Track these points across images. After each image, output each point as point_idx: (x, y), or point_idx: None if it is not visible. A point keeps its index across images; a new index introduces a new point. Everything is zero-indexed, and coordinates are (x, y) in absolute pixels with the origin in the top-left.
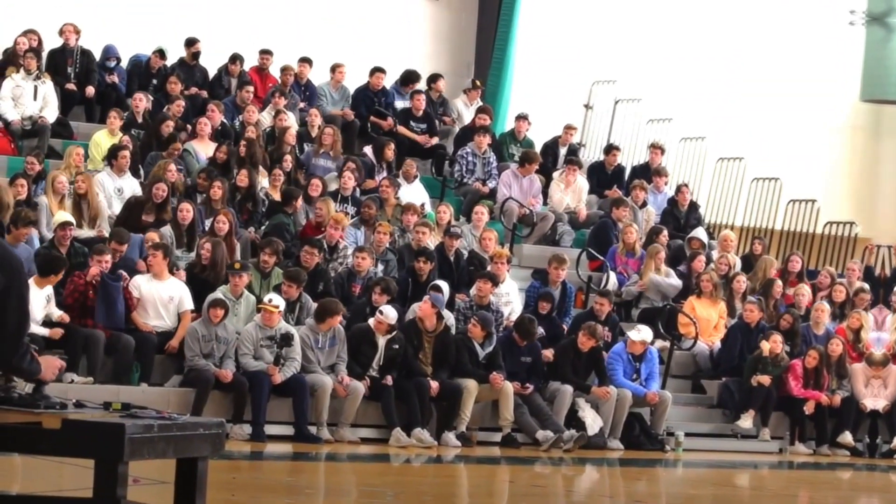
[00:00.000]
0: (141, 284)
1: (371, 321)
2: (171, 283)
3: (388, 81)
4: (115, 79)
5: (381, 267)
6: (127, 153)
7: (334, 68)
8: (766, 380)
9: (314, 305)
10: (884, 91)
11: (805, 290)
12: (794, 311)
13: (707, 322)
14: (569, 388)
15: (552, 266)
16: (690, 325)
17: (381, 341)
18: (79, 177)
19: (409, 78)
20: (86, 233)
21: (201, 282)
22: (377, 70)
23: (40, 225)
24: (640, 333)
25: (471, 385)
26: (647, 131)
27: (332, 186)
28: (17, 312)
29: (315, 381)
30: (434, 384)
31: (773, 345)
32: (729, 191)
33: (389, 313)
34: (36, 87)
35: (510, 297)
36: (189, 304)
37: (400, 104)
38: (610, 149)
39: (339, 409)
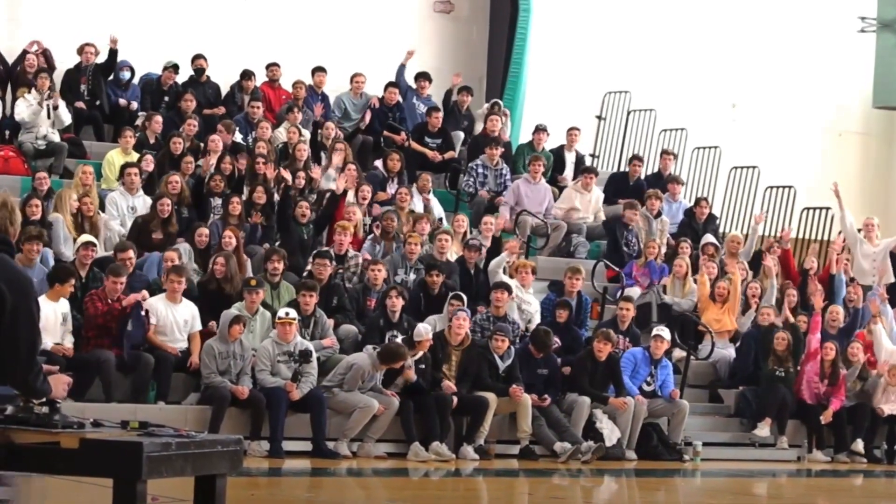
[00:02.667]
0: (158, 308)
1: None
2: (185, 305)
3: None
4: (127, 100)
5: (412, 276)
6: (136, 170)
7: (353, 78)
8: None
9: (329, 321)
10: (894, 97)
11: (819, 288)
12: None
13: (721, 329)
14: (586, 400)
15: (567, 276)
16: (706, 335)
17: (408, 362)
18: (86, 198)
19: (423, 76)
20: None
21: (215, 297)
22: (391, 85)
23: (57, 243)
24: (664, 332)
25: (491, 398)
26: (660, 141)
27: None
28: (28, 332)
29: (360, 400)
30: (455, 398)
31: (778, 341)
32: (743, 200)
33: (423, 331)
34: (48, 107)
35: (532, 309)
36: (199, 325)
37: (416, 103)
38: (633, 159)
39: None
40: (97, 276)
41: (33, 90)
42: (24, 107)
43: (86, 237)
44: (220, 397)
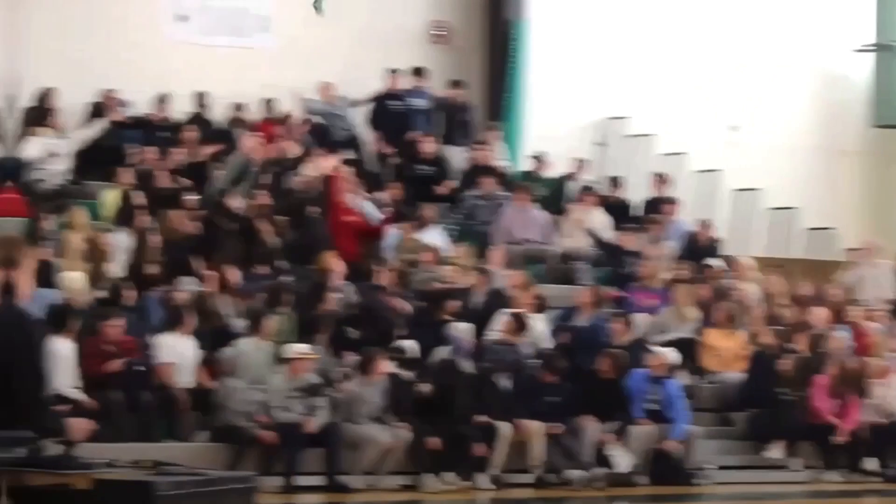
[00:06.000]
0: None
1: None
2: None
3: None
4: None
5: None
6: None
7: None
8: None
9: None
10: (894, 116)
11: (819, 312)
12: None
13: (727, 352)
14: (597, 426)
15: (585, 300)
16: (712, 358)
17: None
18: None
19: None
20: None
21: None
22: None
23: None
24: (661, 353)
25: (504, 427)
26: (661, 166)
27: None
28: (33, 370)
29: (368, 433)
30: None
31: (783, 364)
32: (745, 222)
33: (409, 347)
34: None
35: (541, 337)
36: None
37: (417, 101)
38: (614, 182)
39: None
40: None
41: None
42: None
43: None
44: (240, 437)
